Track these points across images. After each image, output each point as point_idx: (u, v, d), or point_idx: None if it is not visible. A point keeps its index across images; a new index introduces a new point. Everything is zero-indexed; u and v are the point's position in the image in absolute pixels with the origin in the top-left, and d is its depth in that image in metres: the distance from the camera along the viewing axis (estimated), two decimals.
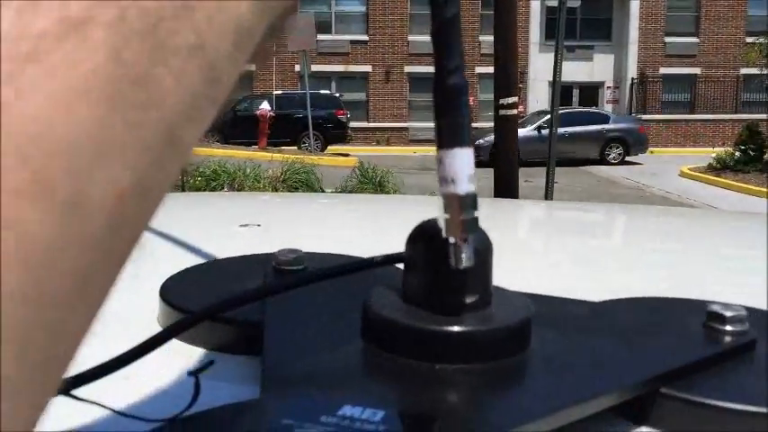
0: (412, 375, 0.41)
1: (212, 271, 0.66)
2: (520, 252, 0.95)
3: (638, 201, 11.20)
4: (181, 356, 0.50)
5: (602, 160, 18.13)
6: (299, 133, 17.91)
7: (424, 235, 0.43)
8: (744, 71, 22.80)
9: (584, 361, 0.44)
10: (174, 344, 0.49)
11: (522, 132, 16.85)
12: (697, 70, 24.51)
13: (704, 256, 0.96)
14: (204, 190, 7.21)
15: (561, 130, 17.57)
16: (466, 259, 0.40)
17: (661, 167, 15.76)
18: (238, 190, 7.31)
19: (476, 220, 0.39)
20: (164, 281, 0.59)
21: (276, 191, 7.60)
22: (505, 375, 0.42)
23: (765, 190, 11.93)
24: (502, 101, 5.74)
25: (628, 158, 18.11)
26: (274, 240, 0.89)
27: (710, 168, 14.36)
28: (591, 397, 0.39)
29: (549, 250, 1.02)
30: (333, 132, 19.10)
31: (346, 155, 15.87)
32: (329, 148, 18.42)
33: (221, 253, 0.75)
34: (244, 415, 0.38)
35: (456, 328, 0.42)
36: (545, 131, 17.24)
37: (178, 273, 0.62)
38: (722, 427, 0.40)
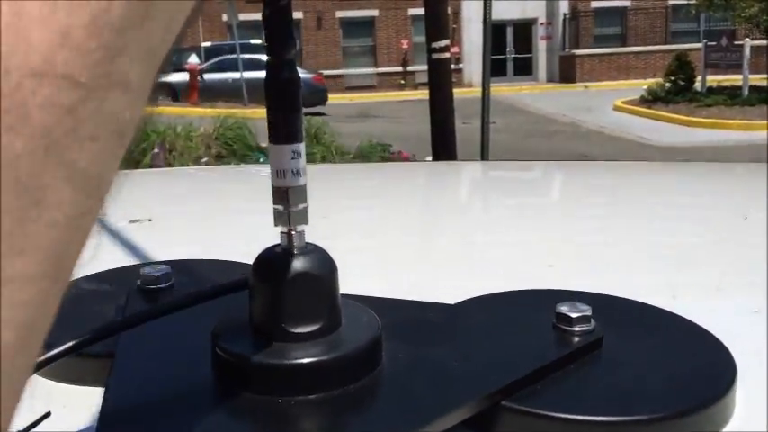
0: (252, 412, 0.40)
1: (70, 294, 0.60)
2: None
3: (574, 137, 11.34)
4: (32, 395, 0.46)
5: None
6: None
7: (264, 265, 0.43)
8: (672, 1, 23.11)
9: (430, 379, 0.43)
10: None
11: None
12: (627, 2, 24.75)
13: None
14: (133, 152, 6.92)
15: (224, 75, 16.95)
16: (297, 246, 0.42)
17: (596, 102, 15.95)
18: (169, 150, 7.09)
19: (305, 210, 0.41)
20: None
21: (210, 149, 7.39)
22: (347, 404, 0.40)
23: (694, 119, 12.23)
24: (434, 44, 5.64)
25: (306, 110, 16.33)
26: (166, 240, 0.81)
27: (643, 101, 14.60)
28: (431, 420, 0.38)
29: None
30: None
31: None
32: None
33: (105, 257, 0.69)
34: None
35: (293, 360, 0.41)
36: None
37: None
38: None
